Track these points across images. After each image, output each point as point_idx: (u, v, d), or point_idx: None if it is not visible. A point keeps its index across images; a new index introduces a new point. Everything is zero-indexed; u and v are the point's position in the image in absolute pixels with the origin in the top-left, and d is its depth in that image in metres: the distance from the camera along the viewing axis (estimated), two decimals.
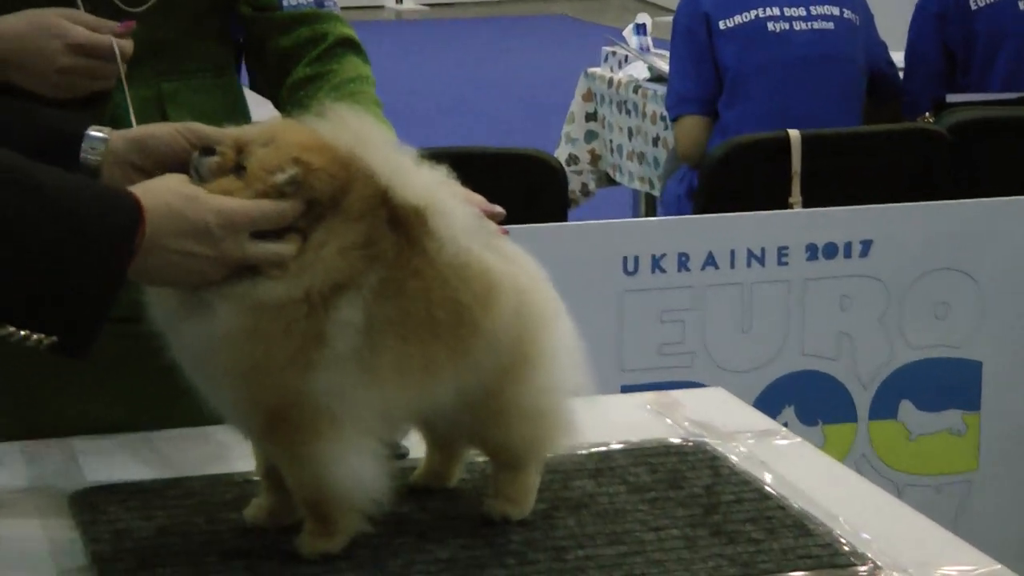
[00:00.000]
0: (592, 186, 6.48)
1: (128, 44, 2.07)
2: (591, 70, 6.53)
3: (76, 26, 2.06)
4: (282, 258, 1.70)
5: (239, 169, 1.73)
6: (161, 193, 1.71)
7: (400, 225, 1.73)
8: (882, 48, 5.37)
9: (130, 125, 2.06)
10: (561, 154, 6.47)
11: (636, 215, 6.47)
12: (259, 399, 1.70)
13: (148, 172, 1.86)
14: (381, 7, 15.58)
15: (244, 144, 1.75)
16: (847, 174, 4.50)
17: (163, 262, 1.70)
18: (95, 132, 1.91)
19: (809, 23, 5.11)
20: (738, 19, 5.10)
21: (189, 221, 1.69)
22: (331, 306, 1.69)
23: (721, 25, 5.09)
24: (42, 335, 1.67)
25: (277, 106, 2.26)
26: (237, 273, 1.71)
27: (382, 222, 1.73)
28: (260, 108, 2.39)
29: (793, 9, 5.12)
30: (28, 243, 1.63)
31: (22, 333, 1.66)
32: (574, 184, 6.38)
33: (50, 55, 2.05)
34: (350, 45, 2.25)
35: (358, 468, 1.72)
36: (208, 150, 1.76)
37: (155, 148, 1.87)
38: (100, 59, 2.06)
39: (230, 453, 2.02)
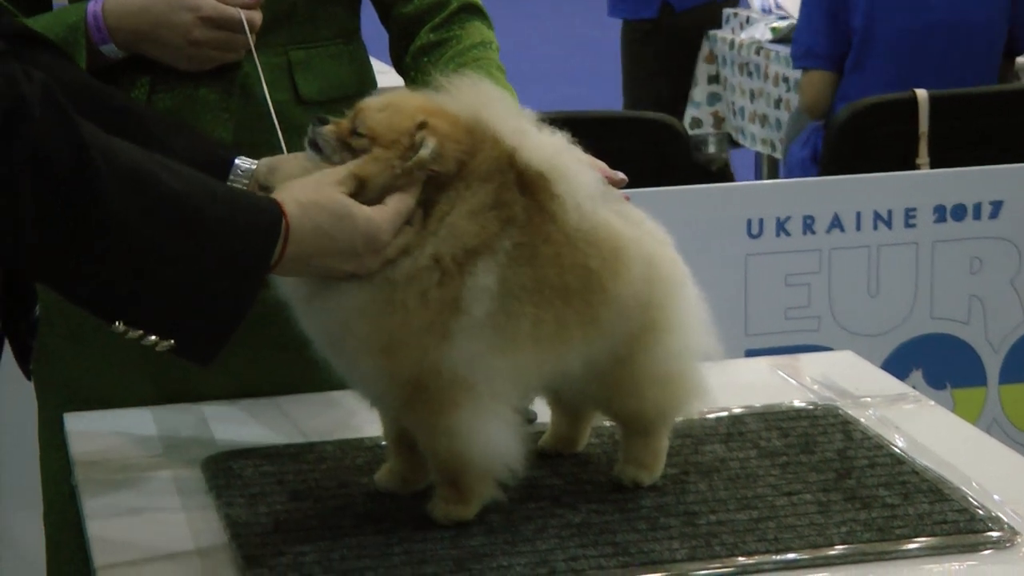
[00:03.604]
0: (714, 149, 6.45)
1: (257, 15, 2.09)
2: (712, 32, 6.48)
3: None
4: (407, 248, 1.70)
5: (355, 134, 1.73)
6: (312, 212, 1.68)
7: (528, 189, 1.73)
8: None
9: (260, 94, 2.08)
10: (685, 118, 6.44)
11: (759, 178, 6.43)
12: (397, 371, 1.70)
13: None
14: None
15: (359, 109, 1.74)
16: (976, 134, 4.42)
17: (299, 271, 1.70)
18: (243, 162, 1.94)
19: None
20: None
21: (337, 243, 1.68)
22: (466, 272, 1.69)
23: None
24: (159, 339, 1.66)
25: (400, 72, 2.26)
26: None
27: (511, 184, 1.72)
28: (383, 76, 2.40)
29: None
30: (166, 254, 1.62)
31: (138, 333, 1.65)
32: (714, 146, 6.37)
33: (182, 28, 2.07)
34: (473, 10, 2.24)
35: (494, 437, 1.72)
36: (322, 119, 1.75)
37: (287, 172, 1.86)
38: (230, 31, 2.07)
39: (357, 418, 2.03)
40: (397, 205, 1.70)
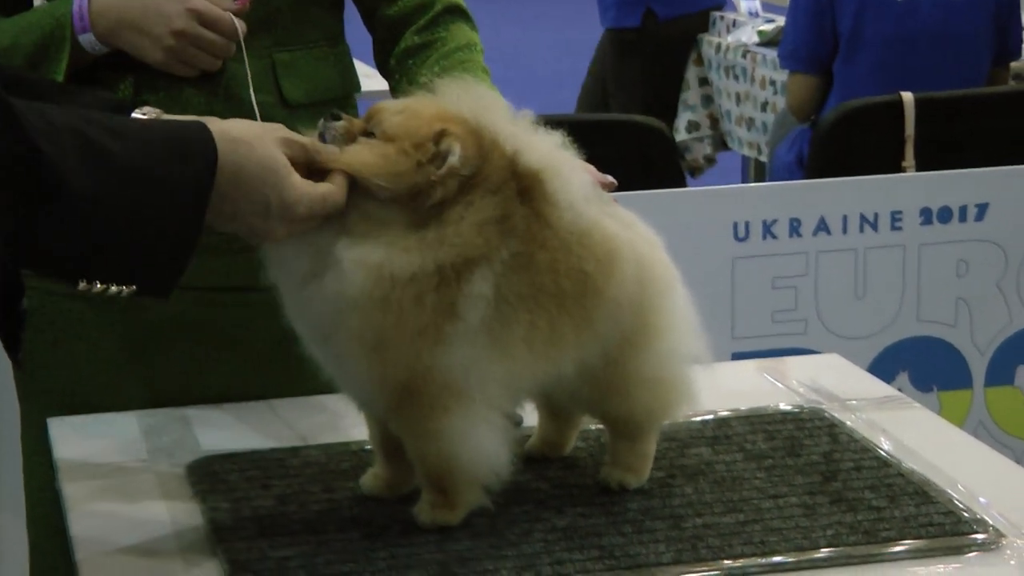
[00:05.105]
0: (709, 151, 6.46)
1: (242, 24, 2.07)
2: (700, 35, 6.49)
3: None
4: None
5: (368, 135, 1.72)
6: (242, 155, 1.66)
7: (526, 195, 1.72)
8: (1017, 12, 5.15)
9: (245, 96, 2.07)
10: (681, 122, 6.44)
11: (746, 181, 6.43)
12: (388, 372, 1.69)
13: None
14: None
15: (374, 111, 1.73)
16: (962, 137, 4.43)
17: (218, 216, 1.67)
18: (138, 113, 1.90)
19: None
20: None
21: (250, 192, 1.65)
22: (464, 280, 1.68)
23: None
24: (123, 287, 1.64)
25: (385, 75, 2.25)
26: (368, 237, 1.69)
27: (513, 194, 1.71)
28: (367, 79, 2.40)
29: None
30: (109, 197, 1.59)
31: (100, 286, 1.63)
32: (697, 152, 6.37)
33: (168, 16, 2.05)
34: (458, 12, 2.24)
35: (484, 443, 1.71)
36: (335, 115, 1.74)
37: None
38: (216, 32, 2.06)
39: (343, 422, 2.03)
40: (326, 192, 1.68)
